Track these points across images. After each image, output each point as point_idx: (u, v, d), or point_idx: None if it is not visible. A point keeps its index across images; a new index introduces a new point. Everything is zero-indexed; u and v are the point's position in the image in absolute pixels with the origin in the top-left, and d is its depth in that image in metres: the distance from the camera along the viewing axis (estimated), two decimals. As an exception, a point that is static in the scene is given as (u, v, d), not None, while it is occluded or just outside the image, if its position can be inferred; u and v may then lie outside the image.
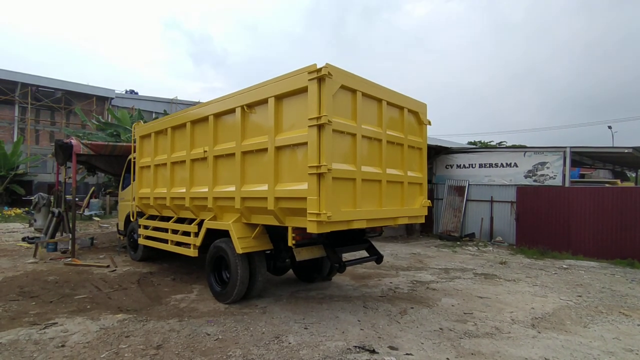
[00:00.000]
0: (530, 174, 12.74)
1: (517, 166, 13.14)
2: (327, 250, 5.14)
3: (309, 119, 4.18)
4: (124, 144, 8.68)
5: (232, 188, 5.24)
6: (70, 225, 8.87)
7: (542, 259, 10.13)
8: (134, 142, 7.76)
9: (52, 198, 11.10)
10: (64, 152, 8.49)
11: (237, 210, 5.24)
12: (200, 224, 5.91)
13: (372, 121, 4.92)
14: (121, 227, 8.99)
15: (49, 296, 5.50)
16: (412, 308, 5.43)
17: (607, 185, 13.23)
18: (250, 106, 5.06)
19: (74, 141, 8.20)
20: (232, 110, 5.32)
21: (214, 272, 5.63)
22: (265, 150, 4.79)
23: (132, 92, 32.08)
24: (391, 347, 4.03)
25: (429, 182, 16.13)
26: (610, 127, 39.25)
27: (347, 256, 6.82)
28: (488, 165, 14.00)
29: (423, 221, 5.90)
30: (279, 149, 4.65)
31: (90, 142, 8.82)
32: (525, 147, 13.37)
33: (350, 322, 4.74)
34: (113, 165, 10.51)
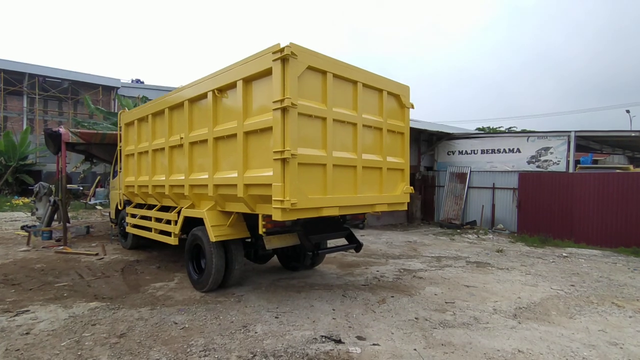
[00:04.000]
0: (534, 160, 12.35)
1: (520, 152, 12.75)
2: (301, 238, 5.01)
3: (273, 102, 4.02)
4: (114, 132, 8.65)
5: (206, 175, 5.14)
6: (63, 214, 8.94)
7: (543, 247, 9.85)
8: (120, 129, 7.71)
9: (53, 187, 11.24)
10: (53, 141, 8.52)
11: (212, 198, 5.14)
12: (180, 212, 5.85)
13: (346, 104, 4.72)
14: (113, 216, 9.05)
15: (31, 284, 5.54)
16: (393, 297, 5.30)
17: (617, 171, 12.76)
18: (221, 90, 4.91)
19: (62, 130, 8.20)
20: (204, 95, 5.19)
21: (192, 261, 5.59)
22: (235, 136, 4.65)
23: (138, 81, 32.21)
24: (359, 337, 3.92)
25: (431, 169, 15.85)
26: (628, 112, 37.78)
27: (331, 243, 6.70)
28: (490, 151, 13.63)
29: (405, 208, 5.71)
30: (247, 134, 4.51)
31: (79, 130, 8.83)
32: (528, 132, 12.92)
33: (324, 312, 4.64)
34: (111, 153, 10.54)
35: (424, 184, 15.70)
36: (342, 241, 5.93)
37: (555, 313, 4.86)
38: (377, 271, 6.77)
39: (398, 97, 5.53)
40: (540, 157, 12.19)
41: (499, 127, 30.41)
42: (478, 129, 29.69)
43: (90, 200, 18.03)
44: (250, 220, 5.21)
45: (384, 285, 5.87)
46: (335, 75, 4.49)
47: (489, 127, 31.27)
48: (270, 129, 4.12)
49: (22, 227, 9.77)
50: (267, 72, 4.17)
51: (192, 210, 5.50)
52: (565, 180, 10.82)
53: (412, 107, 5.76)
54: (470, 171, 14.00)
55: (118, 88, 28.22)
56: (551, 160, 11.96)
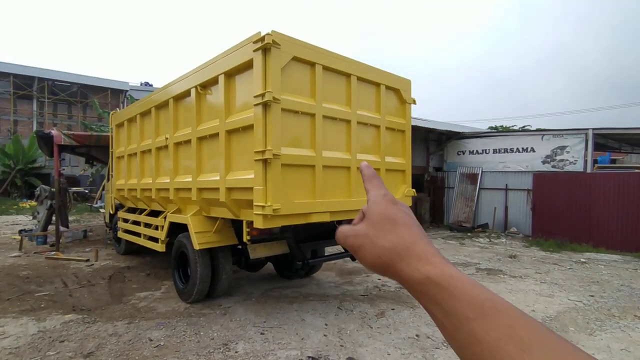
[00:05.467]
0: (549, 159, 11.71)
1: (534, 151, 12.12)
2: (291, 246, 4.61)
3: (254, 97, 3.63)
4: (108, 134, 8.39)
5: (190, 178, 4.79)
6: (60, 218, 8.72)
7: (559, 252, 9.25)
8: (111, 131, 7.44)
9: (54, 190, 11.10)
10: (45, 143, 8.32)
11: (196, 203, 4.78)
12: (166, 218, 5.52)
13: (338, 99, 4.31)
14: (107, 220, 8.80)
15: (10, 293, 5.27)
16: (393, 309, 4.86)
17: (637, 170, 12.03)
18: (204, 86, 4.56)
19: (54, 132, 7.98)
20: (188, 92, 4.84)
21: (179, 269, 5.24)
22: (217, 135, 4.29)
23: (147, 84, 32.33)
24: (350, 359, 3.50)
25: (440, 169, 15.29)
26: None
27: (331, 250, 6.29)
28: (503, 150, 13.02)
29: (407, 212, 5.25)
30: (229, 133, 4.14)
31: (72, 132, 8.61)
32: (543, 130, 12.30)
33: (316, 327, 4.23)
34: (108, 156, 10.34)
35: (432, 185, 15.15)
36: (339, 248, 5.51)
37: (573, 329, 4.36)
38: (379, 279, 6.32)
39: (398, 92, 5.10)
40: (555, 156, 11.55)
41: (512, 126, 29.55)
42: (490, 128, 28.88)
43: (96, 203, 17.96)
44: (237, 225, 4.84)
45: (384, 296, 5.42)
46: (325, 68, 4.09)
47: (501, 126, 30.40)
48: (251, 127, 3.74)
49: (20, 232, 9.61)
50: (249, 65, 3.79)
51: (177, 216, 5.16)
52: (582, 180, 10.19)
53: (414, 102, 5.32)
54: (482, 172, 13.40)
55: (127, 91, 28.31)
56: (567, 160, 11.31)
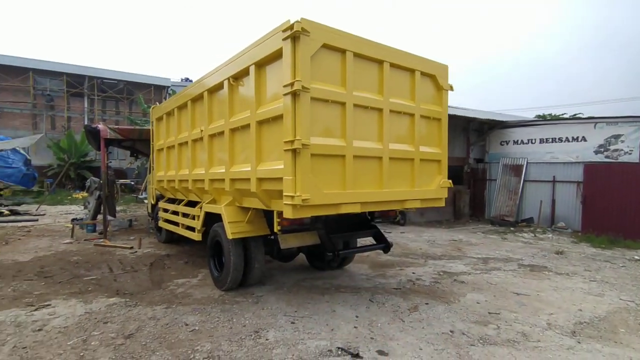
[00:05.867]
0: (602, 149, 10.87)
1: (585, 140, 11.30)
2: (322, 237, 4.59)
3: (284, 87, 3.61)
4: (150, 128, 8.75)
5: (223, 169, 4.88)
6: (107, 208, 9.26)
7: (611, 249, 8.59)
8: (152, 125, 7.75)
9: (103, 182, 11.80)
10: (93, 137, 8.82)
11: (229, 193, 4.88)
12: (202, 208, 5.68)
13: (370, 87, 4.19)
14: (149, 210, 9.22)
15: (61, 277, 5.66)
16: (427, 304, 4.72)
17: None
18: (236, 78, 4.60)
19: (100, 126, 8.44)
20: (221, 85, 4.91)
21: (214, 257, 5.38)
22: (248, 126, 4.32)
23: (186, 79, 33.42)
24: (380, 352, 3.44)
25: (481, 160, 14.66)
26: None
27: (364, 242, 6.21)
28: (550, 140, 12.25)
29: (442, 204, 5.06)
30: (260, 124, 4.16)
31: (118, 127, 9.06)
32: (595, 118, 11.38)
33: (346, 318, 4.20)
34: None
35: (473, 177, 14.56)
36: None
37: (623, 330, 4.03)
38: (413, 273, 6.17)
39: (434, 78, 4.88)
40: (609, 146, 10.69)
41: (562, 115, 27.69)
42: (537, 116, 27.26)
43: (141, 194, 18.91)
44: (269, 216, 4.88)
45: (418, 290, 5.28)
46: (356, 55, 3.98)
47: (549, 115, 28.58)
48: (281, 117, 3.72)
49: (72, 220, 10.30)
50: (278, 54, 3.76)
51: (211, 206, 5.29)
52: (639, 172, 9.37)
53: (451, 89, 5.08)
54: (527, 163, 12.69)
55: (169, 87, 29.40)
56: (622, 150, 10.44)
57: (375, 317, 4.24)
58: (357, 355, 3.35)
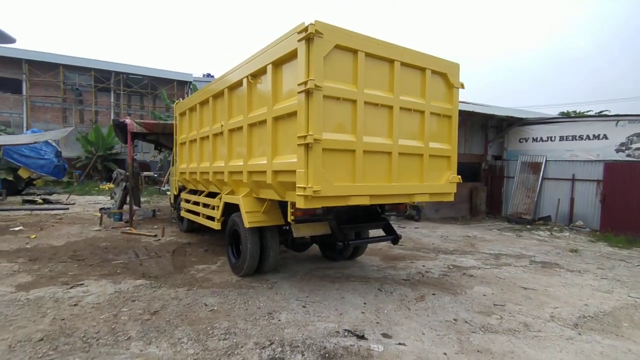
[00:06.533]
0: (623, 148, 10.67)
1: (606, 138, 11.11)
2: (333, 227, 4.83)
3: (298, 85, 3.85)
4: (174, 122, 9.17)
5: (241, 162, 5.17)
6: (133, 198, 9.76)
7: (629, 248, 8.50)
8: (175, 119, 8.14)
9: (128, 173, 12.39)
10: (121, 131, 9.30)
11: (247, 185, 5.17)
12: (221, 198, 6.00)
13: (380, 85, 4.38)
14: (172, 200, 9.67)
15: (92, 260, 6.11)
16: (433, 295, 4.91)
17: None
18: (254, 76, 4.87)
19: (128, 120, 8.90)
20: (240, 82, 5.19)
21: (232, 245, 5.70)
22: (265, 122, 4.59)
23: (208, 75, 34.11)
24: (384, 335, 3.66)
25: (499, 158, 14.55)
26: None
27: (374, 233, 6.42)
28: (570, 137, 12.08)
29: (451, 199, 5.21)
30: (276, 119, 4.42)
31: (143, 121, 9.50)
32: (617, 115, 11.14)
33: (354, 305, 4.44)
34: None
35: (490, 174, 14.48)
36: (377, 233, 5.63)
37: (627, 325, 4.12)
38: (423, 266, 6.34)
39: (445, 76, 5.02)
40: (631, 144, 10.48)
41: (587, 112, 26.91)
42: (561, 113, 26.59)
43: (163, 186, 19.60)
44: (283, 207, 5.15)
45: (426, 282, 5.47)
46: (367, 54, 4.18)
47: (574, 112, 27.81)
48: (295, 113, 3.97)
49: (100, 209, 10.89)
50: (294, 54, 4.00)
51: (230, 197, 5.60)
52: (663, 171, 9.19)
53: (462, 87, 5.21)
54: (546, 160, 12.56)
55: (190, 82, 30.11)
56: (645, 148, 10.22)
57: (383, 305, 4.46)
58: (362, 337, 3.59)
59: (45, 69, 25.04)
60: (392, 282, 5.36)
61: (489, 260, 7.00)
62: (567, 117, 18.54)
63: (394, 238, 5.23)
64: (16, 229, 8.57)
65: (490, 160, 14.63)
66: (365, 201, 4.26)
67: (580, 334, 3.83)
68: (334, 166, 3.99)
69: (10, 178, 15.81)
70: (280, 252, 6.25)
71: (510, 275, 6.02)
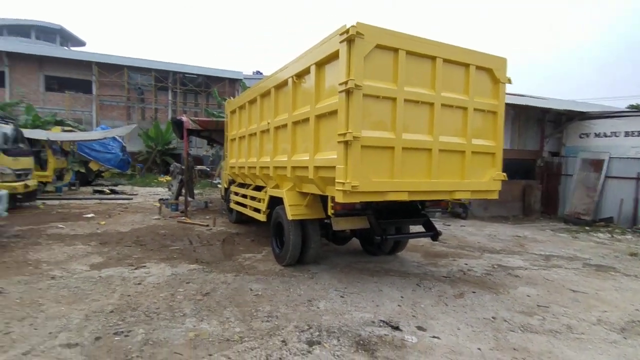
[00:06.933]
0: (701, 144, 9.63)
1: (680, 134, 10.08)
2: (371, 221, 4.96)
3: (339, 84, 4.03)
4: (225, 119, 9.73)
5: (285, 158, 5.45)
6: (187, 190, 10.51)
7: (702, 255, 7.74)
8: (226, 117, 8.64)
9: (183, 167, 13.31)
10: (178, 127, 10.03)
11: (290, 179, 5.44)
12: (267, 192, 6.35)
13: (421, 82, 4.43)
14: (222, 193, 10.28)
15: (153, 245, 6.74)
16: (474, 292, 4.89)
17: None
18: (299, 76, 5.10)
19: (184, 118, 9.59)
20: (285, 82, 5.46)
21: (276, 236, 6.03)
22: (308, 120, 4.81)
23: (257, 72, 35.20)
24: (419, 327, 3.76)
25: (557, 154, 13.71)
26: None
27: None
28: (637, 133, 11.11)
29: (495, 197, 5.13)
30: (318, 118, 4.63)
31: (198, 118, 10.17)
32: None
33: (391, 298, 4.56)
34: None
35: (547, 171, 13.69)
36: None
37: (688, 335, 3.86)
38: (466, 264, 6.28)
39: (490, 72, 4.94)
40: None
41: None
42: (631, 106, 24.32)
43: (215, 180, 20.69)
44: (325, 201, 5.36)
45: (467, 280, 5.43)
46: (409, 52, 4.25)
47: (647, 105, 25.31)
48: (336, 112, 4.14)
49: (159, 200, 11.82)
50: (336, 55, 4.18)
51: (275, 190, 5.91)
52: None
53: (509, 81, 5.09)
54: (609, 158, 11.65)
55: (241, 80, 31.29)
56: None
57: (420, 299, 4.54)
58: (397, 328, 3.72)
59: (111, 70, 27.26)
60: (432, 279, 5.39)
61: (538, 262, 6.75)
62: (633, 110, 16.96)
63: (434, 234, 5.26)
64: (88, 215, 9.60)
65: (547, 156, 13.83)
66: (404, 197, 4.36)
67: (625, 338, 3.67)
68: (372, 162, 4.12)
69: (83, 170, 17.55)
70: (322, 244, 6.51)
71: (560, 277, 5.79)
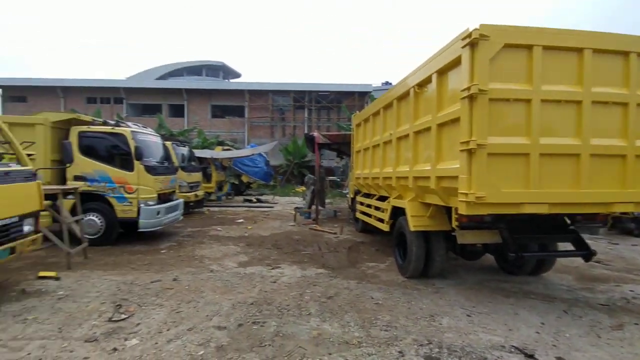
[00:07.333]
0: None
1: None
2: (504, 236, 4.49)
3: (461, 91, 3.86)
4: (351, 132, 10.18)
5: (407, 168, 5.42)
6: (318, 200, 11.30)
7: None
8: (352, 130, 9.04)
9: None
10: (310, 142, 10.90)
11: (412, 190, 5.38)
12: (390, 202, 6.39)
13: (564, 79, 3.89)
14: (349, 203, 10.69)
15: (288, 249, 7.48)
16: (636, 324, 3.97)
17: None
18: (420, 85, 5.05)
19: (315, 134, 10.40)
20: (407, 92, 5.46)
21: (399, 247, 6.00)
22: (429, 129, 4.72)
23: (386, 83, 35.52)
24: (559, 359, 3.26)
25: None
26: None
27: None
28: None
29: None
30: (440, 126, 4.50)
31: (327, 133, 10.90)
32: None
33: (529, 323, 4.04)
34: (352, 151, 12.50)
35: None
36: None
37: None
38: (631, 291, 5.11)
39: (661, 58, 4.01)
40: None
41: None
42: None
43: (344, 190, 21.61)
44: (450, 212, 5.12)
45: (631, 309, 4.43)
46: (545, 47, 3.80)
47: None
48: (459, 119, 3.97)
49: (294, 209, 12.99)
50: (458, 61, 4.02)
51: (397, 201, 5.92)
52: None
53: (694, 67, 4.03)
54: None
55: (369, 92, 32.09)
56: None
57: (565, 328, 3.91)
58: (531, 356, 3.29)
59: (259, 96, 31.35)
60: (584, 305, 4.57)
61: None
62: None
63: (586, 254, 4.46)
64: (239, 221, 11.21)
65: None
66: (543, 210, 3.86)
67: None
68: (502, 171, 3.80)
69: (237, 182, 20.59)
70: (451, 258, 6.20)
71: None
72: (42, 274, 5.36)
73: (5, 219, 4.24)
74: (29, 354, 3.25)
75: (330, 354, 3.33)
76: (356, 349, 3.42)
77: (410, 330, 3.83)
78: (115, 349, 3.34)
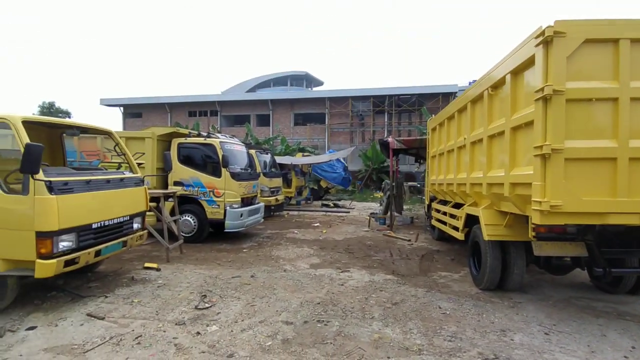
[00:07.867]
0: None
1: None
2: (591, 249, 4.05)
3: (535, 92, 3.63)
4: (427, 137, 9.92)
5: (481, 174, 5.19)
6: (395, 206, 11.20)
7: None
8: (427, 134, 8.82)
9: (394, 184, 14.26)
10: (385, 148, 10.87)
11: (487, 197, 5.13)
12: (464, 209, 6.14)
13: (661, 74, 3.42)
14: (425, 209, 10.38)
15: (359, 253, 7.60)
16: None
17: None
18: (494, 87, 4.83)
19: (390, 139, 10.35)
20: (481, 95, 5.24)
21: (473, 256, 5.73)
22: (503, 133, 4.48)
23: (473, 82, 33.50)
24: (655, 394, 2.87)
25: None
26: None
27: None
28: None
29: None
30: (513, 130, 4.26)
31: (403, 138, 10.75)
32: None
33: (616, 346, 3.61)
34: (430, 156, 12.13)
35: None
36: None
37: None
38: None
39: None
40: None
41: None
42: None
43: (423, 196, 20.92)
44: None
45: None
46: (634, 40, 3.40)
47: None
48: (532, 122, 3.74)
49: (369, 214, 13.03)
50: (532, 61, 3.80)
51: (472, 208, 5.67)
52: None
53: None
54: None
55: (455, 93, 30.61)
56: None
57: (667, 358, 3.40)
58: (617, 386, 2.95)
59: (339, 102, 32.00)
60: (699, 336, 3.89)
61: None
62: None
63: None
64: (315, 224, 11.64)
65: None
66: (633, 220, 3.43)
67: None
68: (583, 178, 3.48)
69: (315, 187, 21.29)
70: (536, 272, 5.75)
71: None
72: (147, 265, 6.30)
73: (120, 217, 5.11)
74: (132, 330, 3.90)
75: (388, 357, 3.39)
76: (416, 355, 3.43)
77: (477, 343, 3.69)
78: (198, 333, 3.84)
